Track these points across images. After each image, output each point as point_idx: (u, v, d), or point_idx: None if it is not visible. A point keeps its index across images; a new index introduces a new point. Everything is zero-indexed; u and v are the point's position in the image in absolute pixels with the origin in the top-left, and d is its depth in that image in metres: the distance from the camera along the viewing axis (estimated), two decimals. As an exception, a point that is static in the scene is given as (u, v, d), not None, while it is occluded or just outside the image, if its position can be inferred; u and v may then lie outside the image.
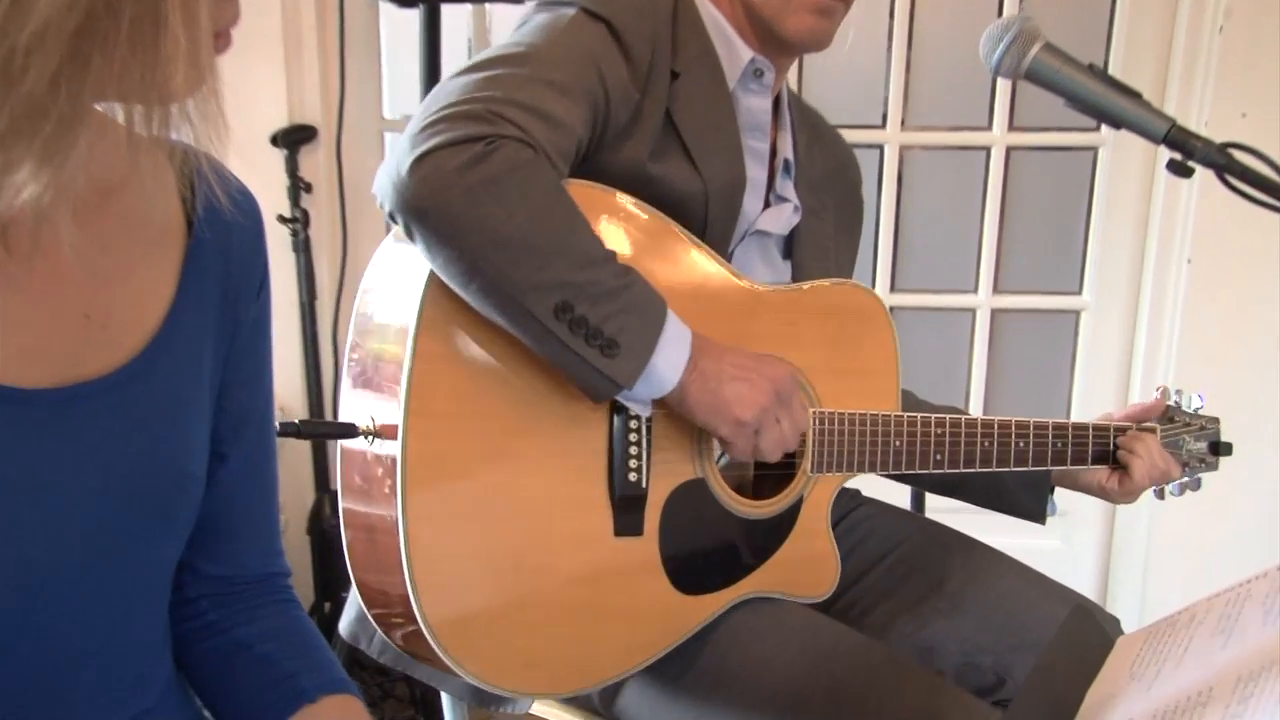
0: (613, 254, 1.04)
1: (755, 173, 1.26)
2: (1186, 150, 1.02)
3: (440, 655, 1.04)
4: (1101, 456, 1.35)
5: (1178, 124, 1.03)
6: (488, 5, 2.34)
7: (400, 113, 2.45)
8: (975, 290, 2.47)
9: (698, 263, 1.17)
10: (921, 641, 1.29)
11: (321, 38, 2.31)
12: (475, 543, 1.06)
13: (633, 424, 1.11)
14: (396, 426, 1.02)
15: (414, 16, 1.94)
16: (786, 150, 1.33)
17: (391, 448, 1.03)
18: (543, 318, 0.99)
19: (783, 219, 1.31)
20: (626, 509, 1.12)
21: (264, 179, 2.20)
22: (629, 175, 1.14)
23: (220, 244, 0.81)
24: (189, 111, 0.65)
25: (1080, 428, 1.33)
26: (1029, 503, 1.40)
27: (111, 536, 0.75)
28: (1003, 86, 2.36)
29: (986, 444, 1.27)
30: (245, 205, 0.83)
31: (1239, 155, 1.01)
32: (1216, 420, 1.43)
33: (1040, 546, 2.20)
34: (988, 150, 2.41)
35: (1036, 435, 1.30)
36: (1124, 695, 0.73)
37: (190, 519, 0.82)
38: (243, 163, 0.81)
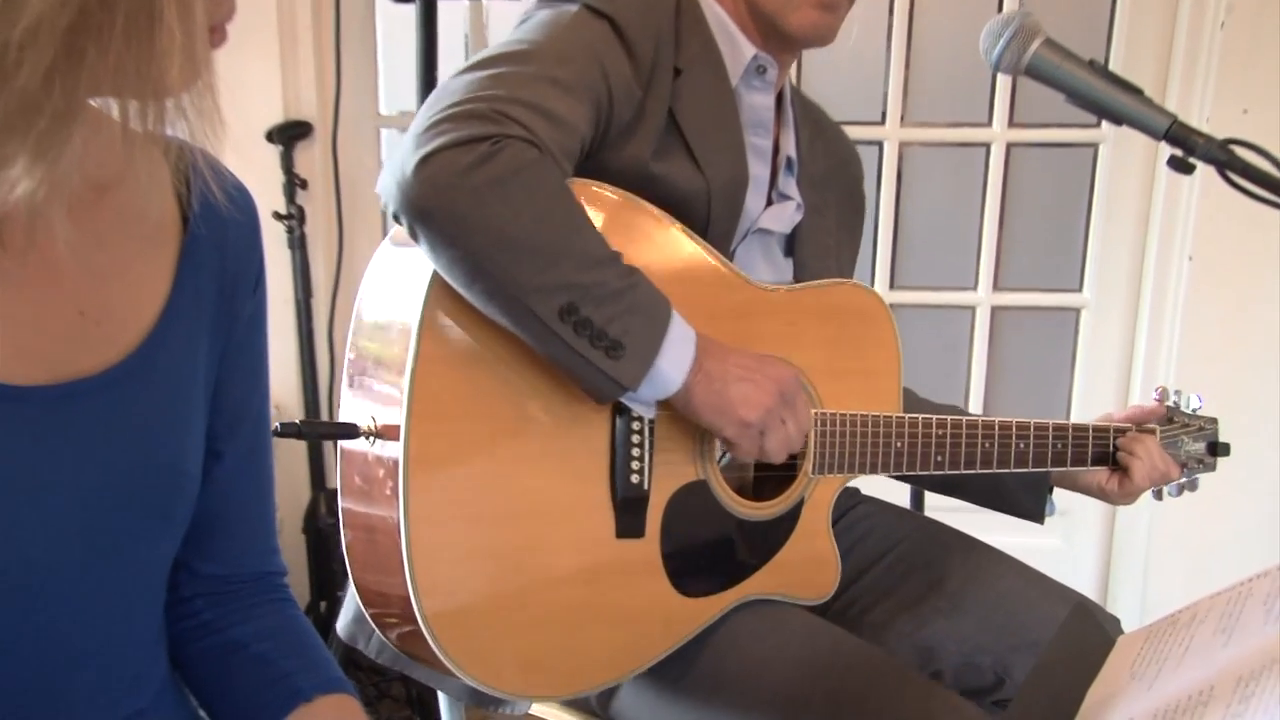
0: (617, 254, 1.04)
1: (758, 170, 1.25)
2: (1188, 146, 1.02)
3: (440, 656, 1.03)
4: (1101, 458, 1.35)
5: (1179, 120, 1.02)
6: (485, 1, 2.33)
7: (396, 109, 2.45)
8: (975, 287, 2.47)
9: (700, 262, 1.16)
10: (921, 641, 1.29)
11: (317, 33, 2.30)
12: (476, 544, 1.05)
13: (635, 425, 1.11)
14: (398, 427, 1.01)
15: (410, 12, 1.94)
16: (789, 147, 1.32)
17: (393, 449, 1.02)
18: (547, 319, 0.99)
19: (785, 217, 1.30)
20: (628, 510, 1.11)
21: (259, 175, 2.20)
22: (631, 174, 1.13)
23: (216, 240, 0.81)
24: (184, 107, 0.64)
25: (1080, 429, 1.33)
26: (1028, 503, 1.40)
27: (108, 535, 0.75)
28: (1003, 82, 2.35)
29: (987, 445, 1.27)
30: (241, 201, 0.83)
31: (1240, 151, 1.00)
32: (1215, 421, 1.43)
33: (1040, 546, 2.20)
34: (988, 147, 2.41)
35: (1037, 436, 1.29)
36: (1124, 695, 0.73)
37: (186, 517, 0.82)
38: (238, 158, 0.80)
